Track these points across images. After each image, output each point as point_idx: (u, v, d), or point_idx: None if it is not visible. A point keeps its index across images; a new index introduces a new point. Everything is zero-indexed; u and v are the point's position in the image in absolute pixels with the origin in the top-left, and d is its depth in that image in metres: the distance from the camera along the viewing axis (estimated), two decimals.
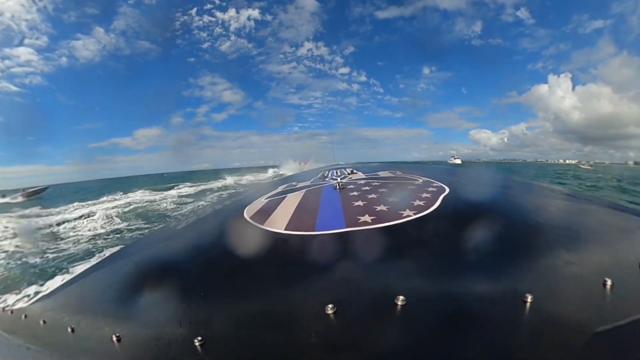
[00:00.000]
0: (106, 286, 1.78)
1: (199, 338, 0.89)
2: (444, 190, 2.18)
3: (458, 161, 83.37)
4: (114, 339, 0.99)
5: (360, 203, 2.06)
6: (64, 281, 2.03)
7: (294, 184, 3.62)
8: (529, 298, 0.87)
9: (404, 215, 1.70)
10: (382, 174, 3.46)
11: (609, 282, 0.94)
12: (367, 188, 2.52)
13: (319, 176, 4.07)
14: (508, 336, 0.80)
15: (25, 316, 1.47)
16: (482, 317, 0.89)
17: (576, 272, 1.13)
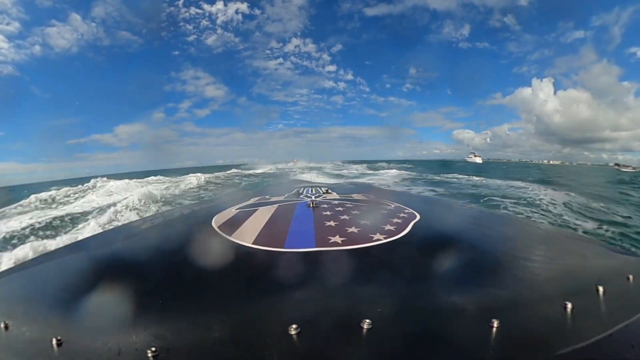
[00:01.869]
0: (52, 281, 1.63)
1: (153, 349, 0.84)
2: (415, 216, 2.25)
3: (478, 160, 74.16)
4: (54, 342, 0.91)
5: (332, 223, 2.09)
6: (2, 269, 1.85)
7: (267, 197, 3.60)
8: (495, 323, 0.91)
9: (374, 239, 1.74)
10: (355, 196, 3.53)
11: (569, 306, 1.01)
12: (340, 209, 2.56)
13: (293, 192, 4.07)
14: None
15: None
16: (449, 342, 0.92)
17: (539, 297, 1.20)
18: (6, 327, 1.03)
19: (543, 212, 9.33)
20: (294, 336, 0.91)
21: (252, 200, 3.32)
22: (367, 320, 0.93)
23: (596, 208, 9.79)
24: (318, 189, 4.43)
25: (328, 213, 2.39)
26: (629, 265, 1.57)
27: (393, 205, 2.74)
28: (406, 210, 2.46)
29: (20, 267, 1.96)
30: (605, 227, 7.54)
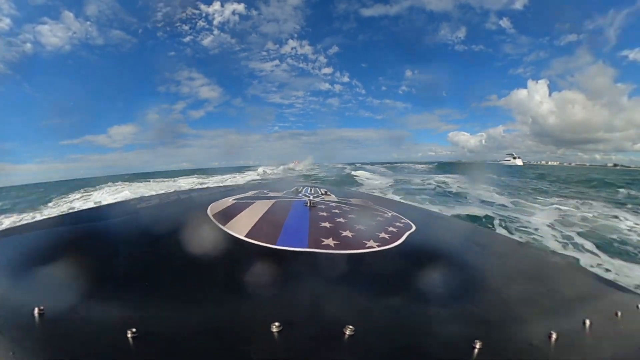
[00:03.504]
0: (38, 250, 1.62)
1: (133, 330, 0.83)
2: (411, 227, 2.24)
3: (519, 162, 70.89)
4: (36, 311, 0.90)
5: (327, 225, 2.08)
6: None
7: (265, 191, 3.60)
8: (478, 344, 0.90)
9: (367, 245, 1.73)
10: (354, 200, 3.52)
11: (554, 336, 0.99)
12: (336, 211, 2.55)
13: (292, 190, 4.07)
14: None
15: None
16: (430, 357, 0.91)
17: (524, 323, 1.19)
18: None
19: None
20: (275, 334, 0.90)
21: (250, 193, 3.32)
22: (350, 327, 0.93)
23: None
24: (317, 189, 4.42)
25: (324, 214, 2.38)
26: (619, 300, 1.57)
27: (390, 214, 2.73)
28: (402, 220, 2.45)
29: (5, 234, 1.94)
30: None
